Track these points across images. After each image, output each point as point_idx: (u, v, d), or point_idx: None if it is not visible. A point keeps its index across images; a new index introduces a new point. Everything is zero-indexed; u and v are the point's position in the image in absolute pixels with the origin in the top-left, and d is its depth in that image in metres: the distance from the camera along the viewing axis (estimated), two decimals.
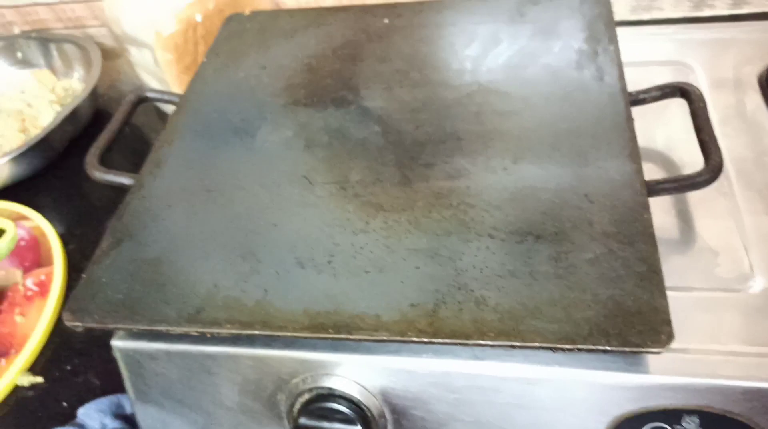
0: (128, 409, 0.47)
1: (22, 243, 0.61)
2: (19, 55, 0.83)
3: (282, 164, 0.45)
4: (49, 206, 0.66)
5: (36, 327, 0.53)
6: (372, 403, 0.38)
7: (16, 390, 0.51)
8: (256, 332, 0.35)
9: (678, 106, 0.46)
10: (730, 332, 0.37)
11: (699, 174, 0.40)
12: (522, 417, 0.37)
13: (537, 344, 0.33)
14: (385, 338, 0.34)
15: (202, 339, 0.38)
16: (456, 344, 0.34)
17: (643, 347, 0.32)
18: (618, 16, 0.53)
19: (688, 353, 0.35)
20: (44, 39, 0.82)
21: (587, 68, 0.48)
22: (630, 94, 0.46)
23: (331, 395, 0.37)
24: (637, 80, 0.48)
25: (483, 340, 0.33)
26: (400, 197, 0.41)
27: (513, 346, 0.33)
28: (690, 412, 0.34)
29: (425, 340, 0.34)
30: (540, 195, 0.40)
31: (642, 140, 0.42)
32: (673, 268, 0.38)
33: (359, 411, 0.37)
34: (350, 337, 0.34)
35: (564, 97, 0.46)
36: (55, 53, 0.81)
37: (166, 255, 0.40)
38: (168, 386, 0.40)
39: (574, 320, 0.33)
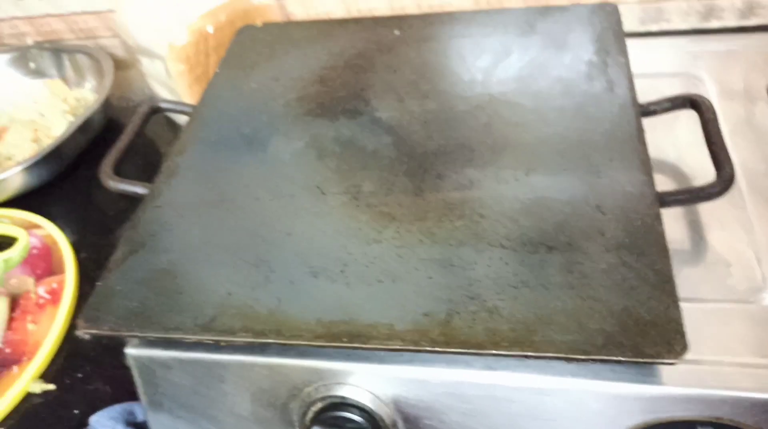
0: (140, 417, 0.47)
1: (35, 251, 0.61)
2: (32, 65, 0.83)
3: (295, 174, 0.46)
4: (61, 215, 0.66)
5: (48, 335, 0.54)
6: (384, 413, 0.38)
7: (28, 397, 0.51)
8: (270, 341, 0.36)
9: (688, 118, 0.46)
10: (743, 344, 0.37)
11: (711, 185, 0.40)
12: (535, 427, 0.37)
13: (551, 354, 0.33)
14: (398, 347, 0.34)
15: (215, 347, 0.38)
16: (469, 354, 0.34)
17: (657, 358, 0.32)
18: (626, 27, 0.53)
19: (700, 364, 0.35)
20: (57, 49, 0.83)
21: (598, 80, 0.48)
22: (640, 105, 0.46)
23: (344, 404, 0.37)
24: (647, 91, 0.48)
25: (496, 350, 0.33)
26: (413, 207, 0.41)
27: (526, 357, 0.33)
28: (703, 423, 0.34)
29: (438, 349, 0.34)
30: (552, 206, 0.40)
31: (653, 151, 0.42)
32: (685, 280, 0.38)
33: (372, 420, 0.37)
34: (364, 346, 0.34)
35: (575, 109, 0.46)
36: (67, 63, 0.82)
37: (180, 264, 0.41)
38: (181, 394, 0.41)
39: (588, 331, 0.33)
